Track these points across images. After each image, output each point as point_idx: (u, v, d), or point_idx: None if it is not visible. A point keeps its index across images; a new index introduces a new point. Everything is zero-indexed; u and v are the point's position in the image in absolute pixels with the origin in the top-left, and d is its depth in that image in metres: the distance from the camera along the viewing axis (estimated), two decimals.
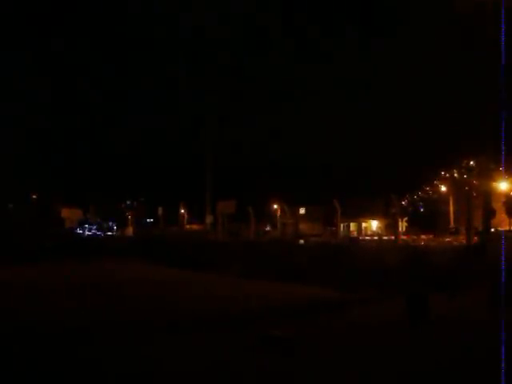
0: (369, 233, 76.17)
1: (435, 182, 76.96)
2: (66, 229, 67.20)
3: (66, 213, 67.22)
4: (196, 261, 31.77)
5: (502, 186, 57.34)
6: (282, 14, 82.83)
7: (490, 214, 41.59)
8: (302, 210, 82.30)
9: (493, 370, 8.96)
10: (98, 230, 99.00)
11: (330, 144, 78.17)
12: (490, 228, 41.74)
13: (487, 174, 45.82)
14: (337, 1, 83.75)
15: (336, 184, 69.60)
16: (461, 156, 64.87)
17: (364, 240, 54.75)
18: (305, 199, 77.79)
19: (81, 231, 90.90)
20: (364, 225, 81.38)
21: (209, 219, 64.38)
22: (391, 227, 61.35)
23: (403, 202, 76.27)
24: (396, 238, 47.69)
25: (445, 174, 73.52)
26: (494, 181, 49.73)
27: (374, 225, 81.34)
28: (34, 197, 78.73)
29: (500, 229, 48.97)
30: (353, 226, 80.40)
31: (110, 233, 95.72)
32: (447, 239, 48.97)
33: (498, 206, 56.07)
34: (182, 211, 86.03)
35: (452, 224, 64.17)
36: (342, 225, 69.17)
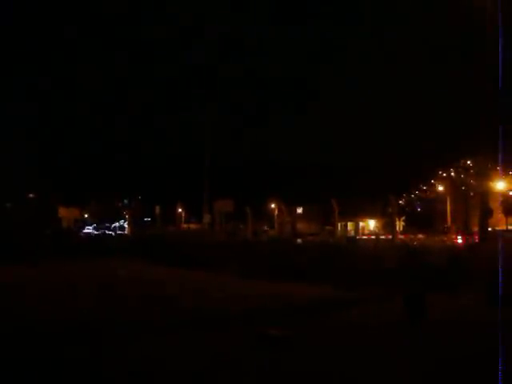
0: (366, 232, 76.32)
1: (432, 182, 77.14)
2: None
3: (63, 212, 67.25)
4: (194, 260, 31.77)
5: (499, 185, 57.49)
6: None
7: (487, 213, 41.66)
8: (300, 210, 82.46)
9: (491, 369, 9.02)
10: (107, 228, 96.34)
11: (327, 144, 78.33)
12: (488, 228, 41.83)
13: (484, 173, 45.92)
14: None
15: (333, 183, 69.73)
16: (458, 155, 65.03)
17: (361, 239, 54.80)
18: (302, 199, 77.91)
19: (89, 230, 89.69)
20: (361, 224, 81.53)
21: (206, 218, 64.37)
22: (388, 226, 61.43)
23: (401, 202, 76.41)
24: (393, 237, 47.79)
25: (442, 174, 73.68)
26: (492, 180, 49.83)
27: (372, 224, 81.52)
28: (31, 196, 78.64)
29: (497, 228, 49.13)
30: (350, 225, 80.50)
31: (121, 232, 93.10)
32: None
33: (495, 206, 56.24)
34: (180, 210, 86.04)
35: (449, 223, 64.36)
36: (339, 224, 69.24)
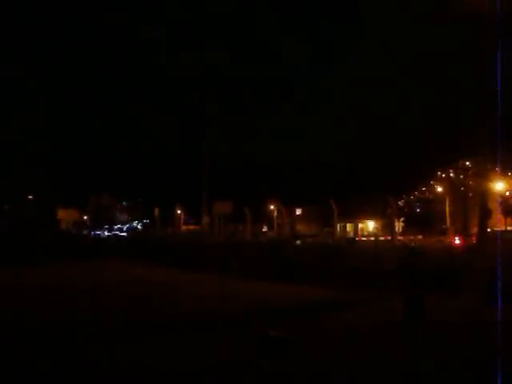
0: (365, 233, 76.33)
1: (431, 183, 77.11)
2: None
3: (62, 213, 67.31)
4: (193, 262, 31.77)
5: (498, 186, 57.52)
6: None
7: (486, 214, 41.66)
8: (299, 211, 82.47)
9: (490, 369, 9.03)
10: (120, 230, 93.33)
11: (327, 144, 78.35)
12: (487, 228, 41.83)
13: (483, 174, 45.92)
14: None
15: (333, 184, 69.67)
16: (457, 156, 65.03)
17: (361, 240, 54.85)
18: (301, 200, 77.91)
19: (99, 232, 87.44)
20: (361, 225, 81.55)
21: (205, 220, 64.34)
22: (388, 228, 61.48)
23: (400, 203, 76.38)
24: (392, 238, 47.78)
25: (441, 175, 73.65)
26: (490, 181, 49.84)
27: (371, 225, 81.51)
28: (31, 197, 78.65)
29: (496, 229, 49.14)
30: (349, 226, 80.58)
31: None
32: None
33: (494, 207, 56.24)
34: (179, 212, 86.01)
35: (448, 224, 64.36)
36: (338, 225, 69.29)
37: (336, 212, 50.56)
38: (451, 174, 71.59)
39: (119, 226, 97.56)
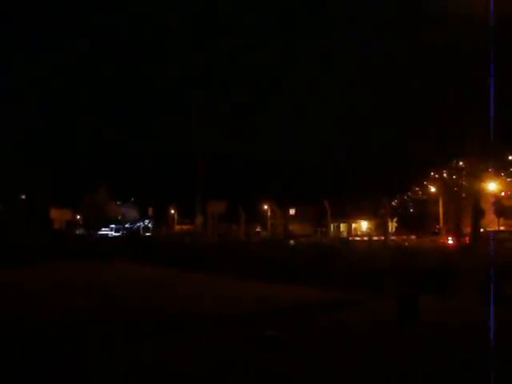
0: (359, 233, 76.41)
1: (425, 183, 77.28)
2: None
3: (55, 213, 66.91)
4: (187, 262, 31.72)
5: (491, 186, 57.71)
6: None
7: (479, 214, 41.80)
8: (293, 211, 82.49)
9: (482, 368, 9.06)
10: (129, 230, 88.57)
11: (321, 145, 78.46)
12: (480, 228, 41.97)
13: (476, 174, 46.05)
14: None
15: (326, 185, 69.76)
16: (450, 157, 65.16)
17: (354, 240, 54.88)
18: (295, 200, 77.94)
19: (106, 231, 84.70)
20: (354, 225, 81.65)
21: (199, 220, 64.34)
22: (381, 228, 61.57)
23: (393, 203, 76.55)
24: (386, 238, 47.86)
25: (434, 175, 73.80)
26: (483, 181, 50.00)
27: (364, 225, 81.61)
28: (23, 197, 78.33)
29: (489, 229, 49.30)
30: (343, 226, 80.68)
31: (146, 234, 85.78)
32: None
33: (487, 207, 56.41)
34: (172, 212, 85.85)
35: (441, 225, 64.49)
36: (332, 225, 69.38)
37: (329, 212, 50.58)
38: (444, 175, 71.71)
39: (129, 225, 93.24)
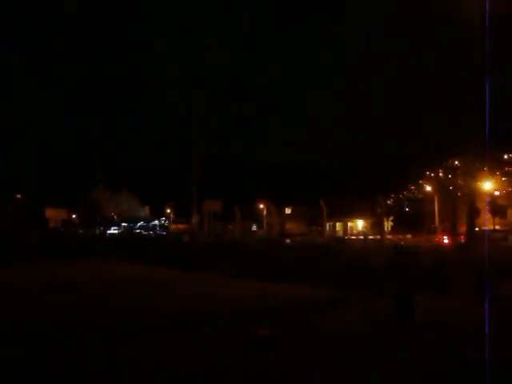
0: (354, 232, 76.53)
1: (420, 182, 77.42)
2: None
3: (50, 212, 66.75)
4: (183, 261, 31.67)
5: (486, 185, 57.85)
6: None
7: (474, 213, 41.91)
8: (289, 210, 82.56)
9: (478, 368, 9.06)
10: (144, 228, 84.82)
11: (316, 144, 78.52)
12: (475, 228, 42.08)
13: (471, 173, 46.17)
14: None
15: (322, 184, 69.84)
16: (446, 156, 65.38)
17: (350, 239, 54.96)
18: (291, 199, 77.99)
19: (115, 231, 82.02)
20: (350, 224, 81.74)
21: (195, 219, 64.32)
22: (377, 227, 61.69)
23: (389, 202, 76.68)
24: (382, 237, 47.96)
25: (430, 174, 73.98)
26: (479, 180, 50.12)
27: (360, 224, 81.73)
28: (18, 196, 78.16)
29: (484, 228, 49.42)
30: (339, 225, 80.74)
31: (162, 232, 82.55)
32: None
33: (483, 206, 56.53)
34: (168, 211, 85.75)
35: (437, 224, 64.65)
36: (328, 224, 69.48)
37: (325, 211, 50.61)
38: (440, 174, 71.94)
39: (142, 223, 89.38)
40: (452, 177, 67.10)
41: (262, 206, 75.91)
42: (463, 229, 45.03)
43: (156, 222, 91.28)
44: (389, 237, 55.74)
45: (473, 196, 44.02)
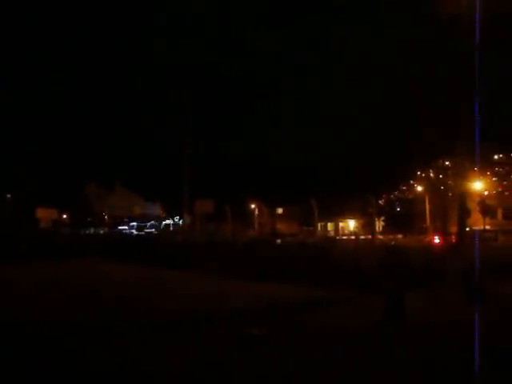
0: (346, 232, 76.72)
1: (411, 182, 77.68)
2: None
3: (41, 212, 66.38)
4: (174, 261, 31.62)
5: (477, 185, 58.19)
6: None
7: (465, 213, 42.13)
8: (280, 210, 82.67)
9: (467, 369, 9.10)
10: (157, 227, 79.91)
11: (307, 144, 78.55)
12: (466, 227, 42.30)
13: (462, 174, 46.40)
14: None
15: (314, 184, 69.87)
16: (437, 156, 65.61)
17: (341, 239, 55.06)
18: (283, 199, 78.03)
19: (125, 231, 78.99)
20: (341, 224, 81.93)
21: (187, 219, 64.21)
22: (368, 227, 61.87)
23: (380, 202, 76.89)
24: (373, 237, 48.10)
25: (421, 174, 74.23)
26: (469, 181, 50.40)
27: (352, 224, 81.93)
28: (9, 196, 77.78)
29: (475, 228, 49.72)
30: (330, 225, 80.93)
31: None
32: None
33: (473, 206, 56.86)
34: (160, 211, 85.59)
35: (428, 224, 64.94)
36: (319, 224, 69.57)
37: (316, 211, 50.66)
38: (431, 174, 72.18)
39: (153, 222, 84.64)
40: (443, 177, 67.35)
41: (253, 206, 75.97)
42: (454, 229, 45.24)
43: (168, 221, 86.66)
44: (380, 237, 55.93)
45: (463, 196, 44.25)
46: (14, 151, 74.38)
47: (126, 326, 13.54)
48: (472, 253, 17.72)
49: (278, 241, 47.13)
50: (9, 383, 9.18)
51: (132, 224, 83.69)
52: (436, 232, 51.88)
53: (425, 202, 67.18)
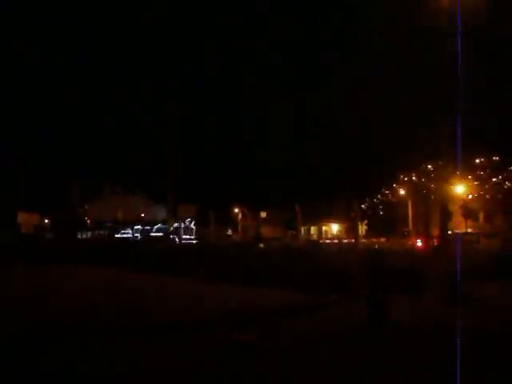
0: (329, 236, 76.93)
1: (394, 186, 78.02)
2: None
3: (22, 217, 66.00)
4: (159, 266, 31.45)
5: (459, 189, 58.66)
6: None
7: (446, 216, 42.40)
8: (264, 214, 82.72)
9: (449, 371, 9.15)
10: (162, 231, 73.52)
11: (291, 149, 78.73)
12: (447, 231, 42.55)
13: (444, 177, 46.72)
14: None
15: (297, 188, 69.97)
16: (419, 160, 66.01)
17: (324, 243, 55.16)
18: (266, 203, 78.08)
19: (128, 235, 75.36)
20: (325, 228, 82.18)
21: (171, 224, 64.05)
22: (351, 230, 62.12)
23: (363, 206, 77.18)
24: (356, 241, 48.27)
25: (404, 178, 74.61)
26: (451, 184, 50.77)
27: (335, 228, 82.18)
28: None
29: (457, 231, 50.09)
30: (313, 229, 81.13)
31: (188, 237, 72.93)
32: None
33: (455, 209, 57.29)
34: (143, 215, 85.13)
35: (410, 227, 65.30)
36: (302, 228, 69.78)
37: (300, 215, 50.76)
38: (413, 178, 72.59)
39: (158, 226, 79.13)
40: (425, 181, 67.77)
41: (236, 210, 75.93)
42: (436, 232, 45.45)
43: (176, 224, 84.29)
44: (363, 241, 56.13)
45: (445, 199, 44.48)
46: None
47: (114, 331, 13.42)
48: (454, 255, 17.88)
49: (261, 245, 47.09)
50: None
51: (136, 228, 79.63)
52: (418, 235, 52.17)
53: (407, 206, 67.52)
